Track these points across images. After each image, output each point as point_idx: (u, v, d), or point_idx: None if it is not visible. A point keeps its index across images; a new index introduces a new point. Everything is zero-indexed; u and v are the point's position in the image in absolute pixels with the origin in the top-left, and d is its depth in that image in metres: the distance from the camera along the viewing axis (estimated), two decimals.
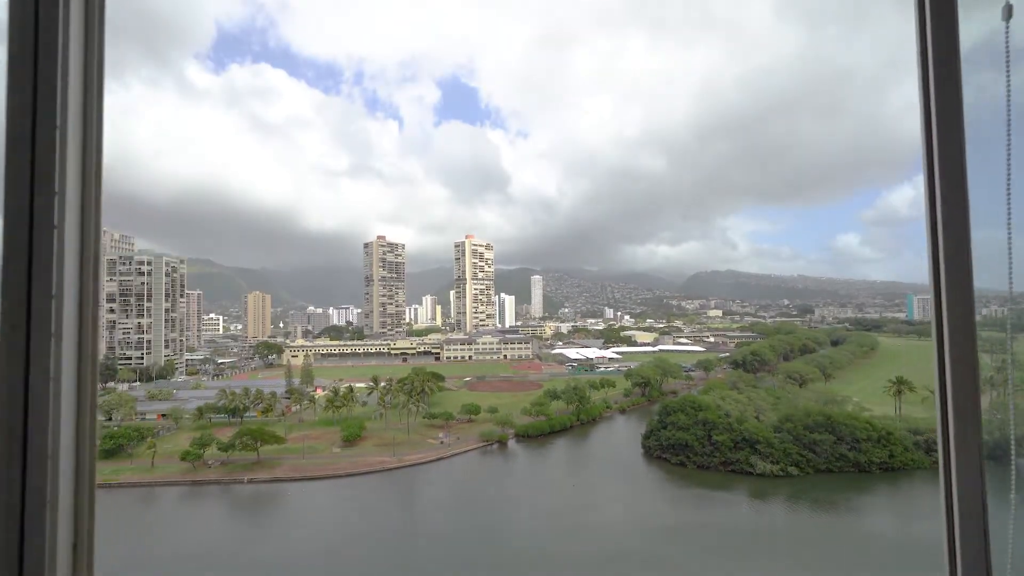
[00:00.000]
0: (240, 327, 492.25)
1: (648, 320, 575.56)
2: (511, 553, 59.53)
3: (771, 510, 71.88)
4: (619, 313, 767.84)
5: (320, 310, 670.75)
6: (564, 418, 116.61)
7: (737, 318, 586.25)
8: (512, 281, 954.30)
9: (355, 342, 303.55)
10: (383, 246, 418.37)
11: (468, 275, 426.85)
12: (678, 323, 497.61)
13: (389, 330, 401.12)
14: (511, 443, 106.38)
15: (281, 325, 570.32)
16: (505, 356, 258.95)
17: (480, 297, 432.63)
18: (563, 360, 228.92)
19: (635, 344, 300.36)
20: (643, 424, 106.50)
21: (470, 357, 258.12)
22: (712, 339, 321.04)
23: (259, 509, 78.72)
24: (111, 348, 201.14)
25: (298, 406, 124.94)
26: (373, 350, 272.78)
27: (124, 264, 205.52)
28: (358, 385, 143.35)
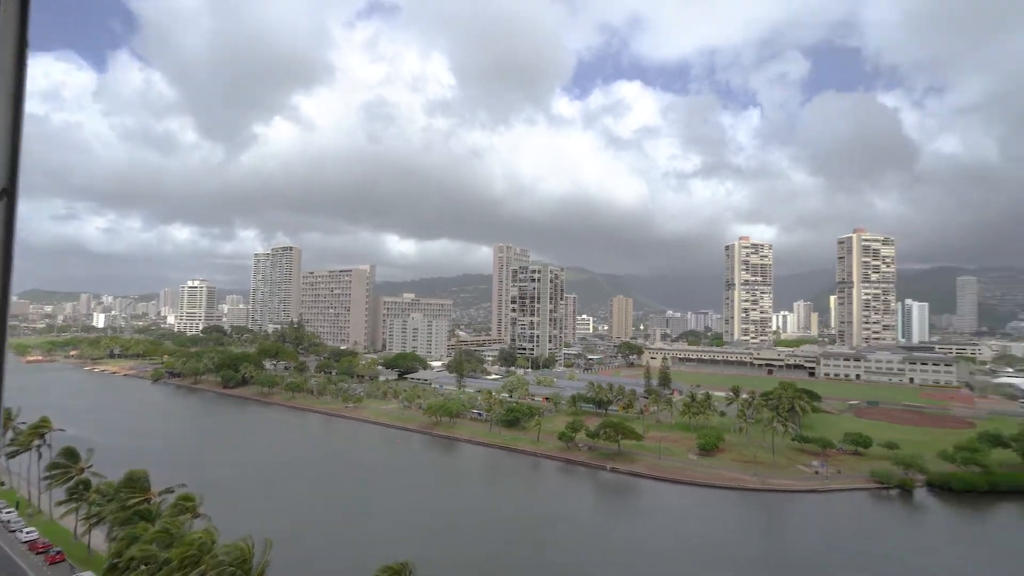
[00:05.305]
0: (606, 327, 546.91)
1: None
2: None
3: None
4: None
5: (678, 314, 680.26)
6: (1016, 475, 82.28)
7: None
8: (925, 284, 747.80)
9: (714, 348, 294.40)
10: (746, 247, 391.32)
11: (856, 277, 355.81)
12: None
13: (752, 338, 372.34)
14: (920, 493, 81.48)
15: (641, 327, 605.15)
16: (911, 380, 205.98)
17: (873, 304, 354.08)
18: (1015, 394, 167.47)
19: None
20: None
21: (857, 376, 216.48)
22: None
23: (620, 496, 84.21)
24: (512, 340, 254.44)
25: (655, 407, 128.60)
26: (733, 358, 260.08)
27: (522, 273, 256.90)
28: (716, 393, 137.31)
